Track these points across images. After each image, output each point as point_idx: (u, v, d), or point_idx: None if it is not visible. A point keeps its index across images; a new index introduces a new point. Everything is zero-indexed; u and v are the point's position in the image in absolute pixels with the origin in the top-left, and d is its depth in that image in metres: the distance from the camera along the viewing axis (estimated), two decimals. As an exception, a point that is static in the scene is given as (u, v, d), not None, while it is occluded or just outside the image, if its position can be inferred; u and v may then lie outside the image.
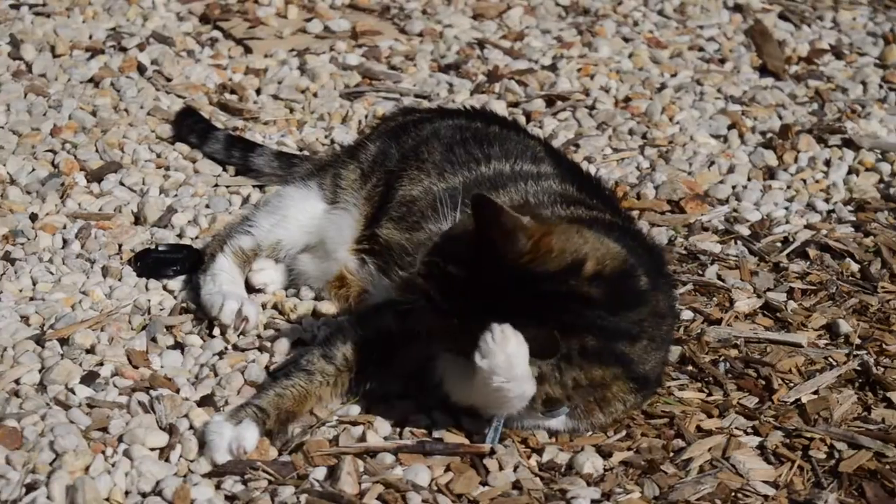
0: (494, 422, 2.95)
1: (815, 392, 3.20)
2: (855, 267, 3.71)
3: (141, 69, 4.67)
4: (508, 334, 2.71)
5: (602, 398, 2.93)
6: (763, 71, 4.89)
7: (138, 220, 3.86)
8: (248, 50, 4.88)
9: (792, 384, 3.22)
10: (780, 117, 4.52)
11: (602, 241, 2.87)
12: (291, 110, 4.52)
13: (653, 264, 3.06)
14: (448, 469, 2.92)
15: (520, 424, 3.01)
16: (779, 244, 3.82)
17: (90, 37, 4.88)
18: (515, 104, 4.58)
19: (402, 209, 3.38)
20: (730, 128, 4.44)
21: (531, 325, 2.73)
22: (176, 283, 3.57)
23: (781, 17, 5.30)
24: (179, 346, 3.33)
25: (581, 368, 2.82)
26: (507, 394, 2.78)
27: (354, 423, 3.04)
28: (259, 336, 3.36)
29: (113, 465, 2.88)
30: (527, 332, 2.72)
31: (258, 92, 4.62)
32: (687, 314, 3.47)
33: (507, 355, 2.72)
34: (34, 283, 3.55)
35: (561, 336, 2.73)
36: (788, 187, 4.12)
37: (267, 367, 3.24)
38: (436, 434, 3.01)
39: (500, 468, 2.91)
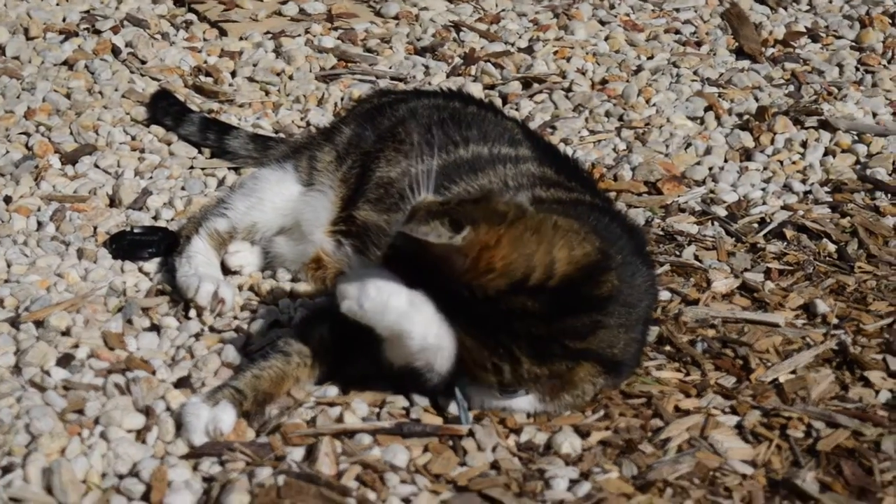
0: (457, 399, 2.95)
1: (793, 371, 3.20)
2: (832, 247, 3.72)
3: (115, 52, 4.65)
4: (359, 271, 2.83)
5: (568, 382, 2.93)
6: (739, 53, 4.90)
7: (113, 202, 3.84)
8: (222, 32, 4.87)
9: (769, 364, 3.22)
10: (757, 99, 4.53)
11: (559, 245, 2.81)
12: (267, 93, 4.51)
13: (632, 245, 3.05)
14: (426, 450, 2.91)
15: (486, 405, 3.00)
16: (756, 225, 3.83)
17: (64, 19, 4.86)
18: (492, 86, 4.58)
19: (379, 191, 3.37)
20: (706, 110, 4.45)
21: (473, 331, 2.78)
22: (151, 266, 3.55)
23: (757, 0, 5.30)
24: (155, 328, 3.31)
25: (527, 364, 2.84)
26: (383, 321, 2.80)
27: (332, 405, 3.03)
28: (235, 318, 3.35)
29: (89, 447, 2.86)
30: None
31: (233, 74, 4.61)
32: (664, 295, 3.47)
33: (356, 287, 2.78)
34: (8, 266, 3.53)
35: (497, 341, 2.79)
36: (765, 168, 4.13)
37: (244, 349, 3.22)
38: (413, 415, 3.00)
39: (479, 449, 2.90)
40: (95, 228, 3.70)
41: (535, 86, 4.57)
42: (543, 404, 2.97)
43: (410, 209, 2.87)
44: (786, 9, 5.25)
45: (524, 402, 2.97)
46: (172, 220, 3.76)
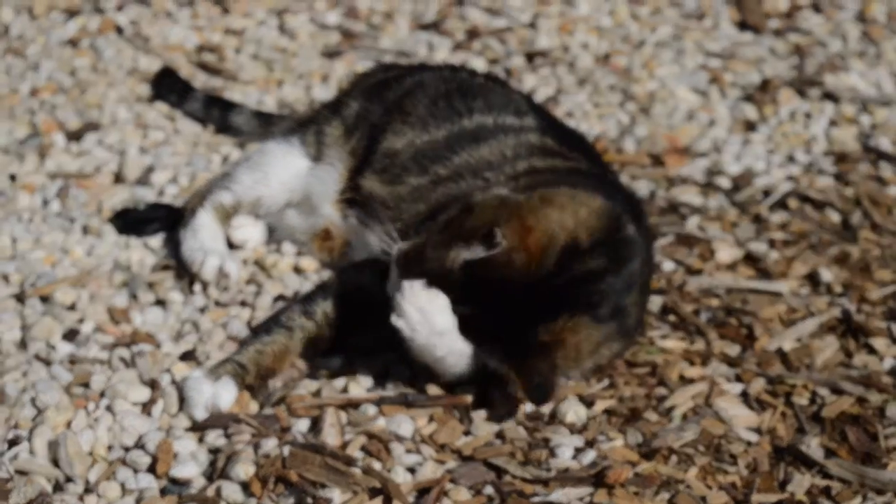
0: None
1: (798, 339, 3.21)
2: (836, 217, 3.71)
3: (119, 30, 4.64)
4: (417, 290, 2.77)
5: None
6: (743, 26, 4.88)
7: (118, 178, 3.84)
8: (225, 10, 4.86)
9: (774, 332, 3.23)
10: (760, 72, 4.52)
11: (578, 200, 2.85)
12: (271, 70, 4.50)
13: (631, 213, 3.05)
14: (431, 420, 2.92)
15: None
16: (760, 196, 3.82)
17: (67, -2, 4.86)
18: (495, 61, 4.57)
19: (384, 161, 3.36)
20: (710, 82, 4.44)
21: (552, 316, 2.78)
22: (156, 241, 3.56)
23: (760, -28, 5.29)
24: (161, 302, 3.32)
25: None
26: (434, 351, 2.83)
27: (337, 376, 3.04)
28: (240, 292, 3.36)
29: (95, 420, 2.88)
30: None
31: (237, 52, 4.60)
32: (668, 265, 3.48)
33: (419, 310, 2.77)
34: (14, 242, 3.54)
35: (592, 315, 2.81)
36: (769, 140, 4.12)
37: (248, 323, 3.23)
38: (418, 385, 3.01)
39: (486, 418, 2.92)
40: (100, 204, 3.70)
41: (539, 60, 4.57)
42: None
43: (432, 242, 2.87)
44: (789, -18, 5.24)
45: None
46: (177, 196, 3.76)
